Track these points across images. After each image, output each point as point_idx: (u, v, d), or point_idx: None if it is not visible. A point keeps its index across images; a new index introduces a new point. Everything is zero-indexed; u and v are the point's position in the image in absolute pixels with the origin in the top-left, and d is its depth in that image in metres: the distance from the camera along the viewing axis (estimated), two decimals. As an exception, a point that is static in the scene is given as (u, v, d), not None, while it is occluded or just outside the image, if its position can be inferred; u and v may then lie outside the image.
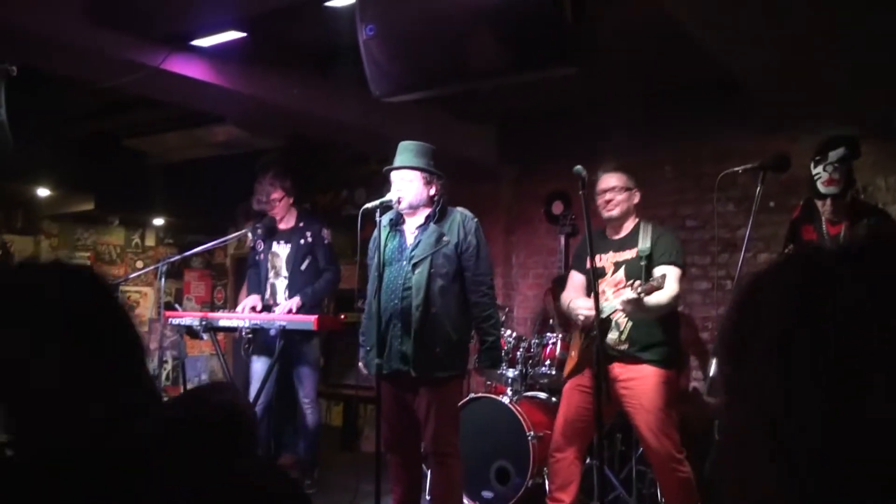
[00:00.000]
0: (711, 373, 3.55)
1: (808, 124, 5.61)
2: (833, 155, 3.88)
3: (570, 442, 4.27)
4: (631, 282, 4.07)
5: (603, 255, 4.28)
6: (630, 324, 4.13)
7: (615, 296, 4.08)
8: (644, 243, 4.17)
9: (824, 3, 3.71)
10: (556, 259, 6.72)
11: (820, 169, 3.89)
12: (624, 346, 4.15)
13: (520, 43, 3.08)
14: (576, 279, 4.47)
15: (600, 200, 4.28)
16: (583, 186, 3.54)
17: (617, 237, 4.31)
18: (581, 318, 4.19)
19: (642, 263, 4.13)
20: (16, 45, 4.35)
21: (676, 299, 4.12)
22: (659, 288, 3.83)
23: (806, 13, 3.84)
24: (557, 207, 6.92)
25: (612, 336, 4.17)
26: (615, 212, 4.26)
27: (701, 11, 3.89)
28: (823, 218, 4.00)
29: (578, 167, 3.49)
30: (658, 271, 4.00)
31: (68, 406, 1.18)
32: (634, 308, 3.91)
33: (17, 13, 4.08)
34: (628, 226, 4.30)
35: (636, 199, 4.30)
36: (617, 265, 4.24)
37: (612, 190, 4.25)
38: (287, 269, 5.50)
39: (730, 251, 5.97)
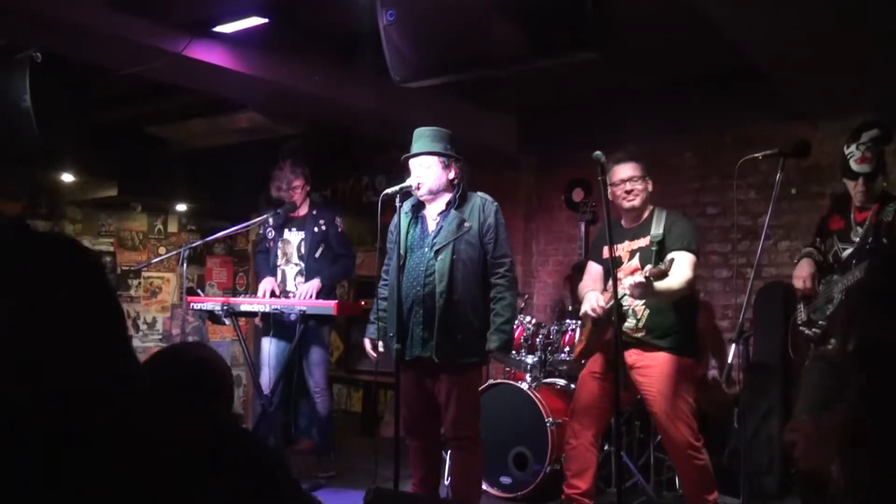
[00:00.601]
0: (730, 360, 3.53)
1: (828, 112, 5.57)
2: (866, 135, 3.87)
3: (586, 428, 4.28)
4: (640, 267, 4.07)
5: (619, 245, 4.28)
6: (647, 311, 4.14)
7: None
8: (657, 229, 4.18)
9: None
10: (576, 246, 6.71)
11: (853, 148, 3.88)
12: (641, 334, 4.16)
13: (539, 28, 3.09)
14: (592, 269, 4.48)
15: (619, 191, 4.26)
16: (602, 172, 3.55)
17: (632, 226, 4.32)
18: (589, 311, 4.17)
19: (654, 249, 4.14)
20: (39, 32, 4.40)
21: (690, 285, 4.11)
22: (666, 272, 3.80)
23: (825, 3, 3.81)
24: (578, 195, 6.91)
25: (630, 323, 4.17)
26: (637, 201, 4.25)
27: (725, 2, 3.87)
28: (853, 205, 3.97)
29: (598, 153, 3.48)
30: (669, 257, 4.00)
31: (56, 378, 1.17)
32: (642, 291, 3.90)
33: (42, 0, 4.12)
34: (643, 214, 4.31)
35: (650, 187, 4.31)
36: (632, 253, 4.25)
37: (632, 180, 4.24)
38: (299, 257, 5.54)
39: (750, 238, 5.94)
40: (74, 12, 4.25)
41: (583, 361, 4.45)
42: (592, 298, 4.16)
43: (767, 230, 3.73)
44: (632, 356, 4.15)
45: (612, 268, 3.71)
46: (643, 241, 4.22)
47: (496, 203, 4.23)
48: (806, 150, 3.65)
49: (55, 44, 4.58)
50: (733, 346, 3.54)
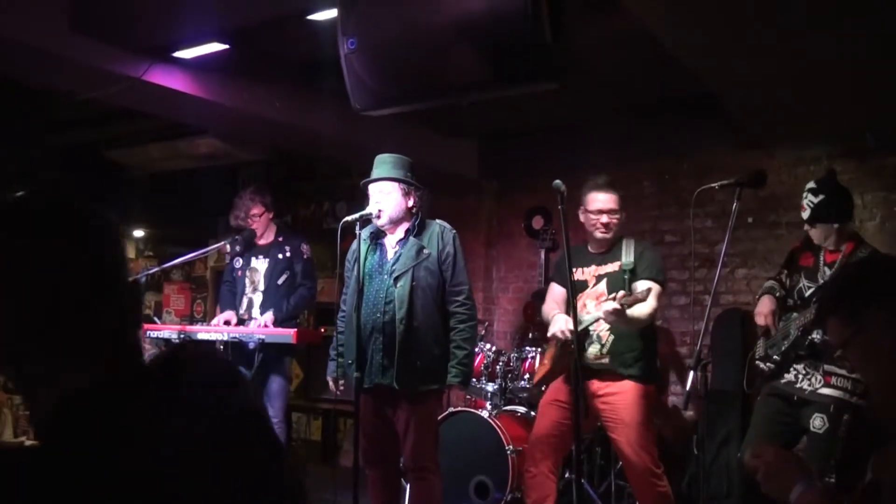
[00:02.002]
0: (688, 387, 3.55)
1: (784, 141, 5.69)
2: (807, 186, 4.08)
3: (545, 456, 4.27)
4: (613, 294, 4.09)
5: (585, 269, 4.30)
6: (612, 337, 4.15)
7: (597, 309, 4.10)
8: (627, 257, 4.19)
9: (800, 22, 3.77)
10: (536, 273, 6.75)
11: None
12: (605, 360, 4.16)
13: (499, 58, 3.10)
14: (556, 291, 4.47)
15: (595, 220, 4.26)
16: (561, 201, 3.55)
17: (599, 250, 4.33)
18: (557, 334, 4.17)
19: (626, 277, 4.16)
20: (-2, 55, 4.35)
21: (654, 314, 4.16)
22: (643, 300, 3.86)
23: (782, 32, 3.90)
24: (538, 222, 6.95)
25: (594, 350, 4.18)
26: (609, 234, 4.27)
27: (677, 29, 3.94)
28: (823, 248, 4.06)
29: (557, 182, 3.49)
30: (641, 285, 4.03)
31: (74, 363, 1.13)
32: (616, 318, 3.93)
33: (1, 23, 4.07)
34: (610, 240, 4.32)
35: (623, 218, 4.33)
36: (599, 278, 4.26)
37: (611, 212, 4.26)
38: (264, 283, 5.48)
39: (707, 266, 6.02)
40: (32, 35, 4.21)
41: (543, 388, 4.44)
42: (562, 321, 4.15)
43: (724, 258, 3.77)
44: (595, 384, 4.16)
45: (570, 293, 3.72)
46: (611, 267, 4.24)
47: (454, 231, 4.24)
48: (762, 180, 3.70)
49: (11, 67, 4.53)
50: (691, 373, 3.56)
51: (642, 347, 4.18)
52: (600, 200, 4.27)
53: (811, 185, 4.06)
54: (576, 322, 3.60)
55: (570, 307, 3.69)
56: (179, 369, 1.15)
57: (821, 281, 3.99)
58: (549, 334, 4.29)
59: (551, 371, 4.33)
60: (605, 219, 4.25)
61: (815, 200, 3.99)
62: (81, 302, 1.15)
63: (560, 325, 4.15)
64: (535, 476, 4.27)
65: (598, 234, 4.28)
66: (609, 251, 4.30)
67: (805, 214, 4.03)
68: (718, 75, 4.61)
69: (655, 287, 4.07)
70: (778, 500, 1.78)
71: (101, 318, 1.16)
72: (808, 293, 4.03)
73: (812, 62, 4.27)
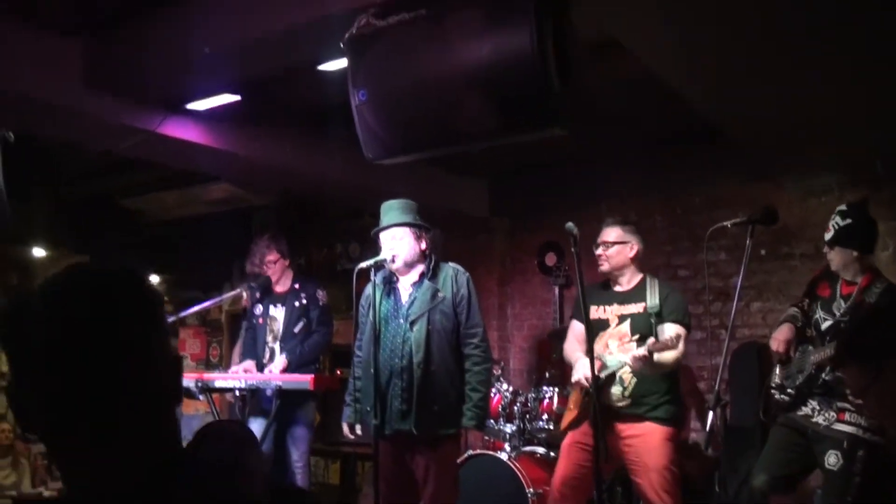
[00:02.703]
0: (708, 426, 3.54)
1: (792, 173, 5.69)
2: (838, 208, 4.09)
3: (566, 498, 4.24)
4: (636, 337, 4.09)
5: (607, 307, 4.29)
6: (634, 380, 4.12)
7: (621, 350, 4.09)
8: (653, 300, 4.17)
9: (803, 57, 3.79)
10: (551, 310, 6.75)
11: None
12: (626, 402, 4.13)
13: (509, 107, 3.14)
14: (577, 329, 4.43)
15: (596, 254, 4.32)
16: (574, 244, 3.57)
17: (621, 289, 4.32)
18: (582, 381, 4.15)
19: (652, 321, 4.14)
20: (14, 112, 4.42)
21: (680, 358, 4.13)
22: (673, 347, 3.87)
23: (785, 69, 3.93)
24: (550, 259, 6.96)
25: (616, 391, 4.15)
26: (605, 266, 4.30)
27: (680, 69, 3.98)
28: (841, 277, 4.07)
29: (570, 224, 3.52)
30: (668, 329, 4.03)
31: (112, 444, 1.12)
32: (643, 364, 3.94)
33: (17, 80, 4.15)
34: (632, 279, 4.31)
35: (632, 253, 4.29)
36: (622, 318, 4.23)
37: (604, 245, 4.29)
38: (282, 332, 5.50)
39: (722, 300, 6.00)
40: (48, 93, 4.29)
41: (568, 432, 4.41)
42: (584, 367, 4.14)
43: (739, 292, 3.78)
44: (618, 426, 4.14)
45: (588, 334, 3.73)
46: (635, 308, 4.21)
47: (468, 274, 4.26)
48: (774, 217, 3.73)
49: (29, 123, 4.60)
50: (710, 413, 3.56)
51: (666, 390, 4.15)
52: (601, 234, 4.34)
53: (842, 207, 4.05)
54: (593, 370, 3.59)
55: (589, 349, 3.68)
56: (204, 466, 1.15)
57: (836, 313, 3.99)
58: (572, 380, 4.28)
59: (578, 417, 4.30)
60: (598, 251, 4.30)
61: (842, 223, 3.98)
62: (130, 378, 1.15)
63: (583, 371, 4.13)
64: None
65: (599, 268, 4.32)
66: (632, 290, 4.28)
67: (828, 236, 4.03)
68: (723, 111, 4.65)
69: (681, 331, 4.07)
70: None
71: (145, 392, 1.16)
72: (823, 326, 4.03)
73: (816, 95, 4.29)
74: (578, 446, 4.23)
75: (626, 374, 4.13)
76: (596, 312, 4.30)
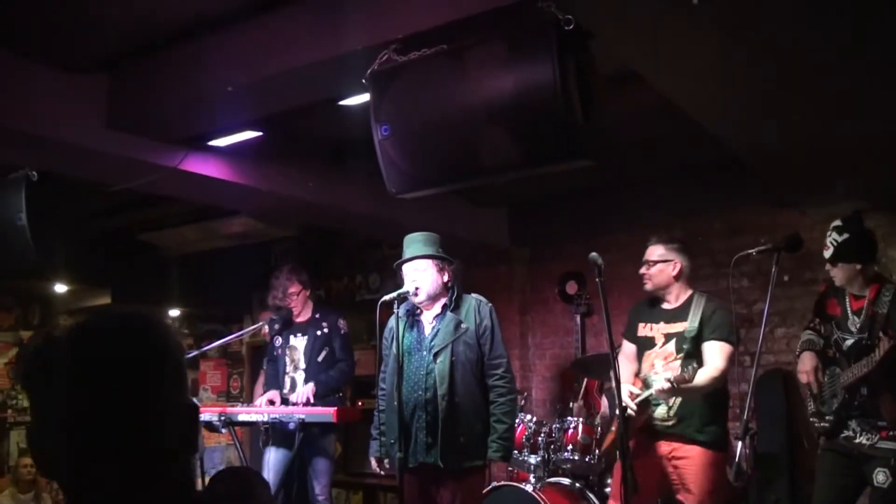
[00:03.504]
0: (737, 457, 3.50)
1: (814, 198, 5.66)
2: (832, 224, 4.10)
3: None
4: (681, 356, 4.08)
5: (654, 325, 4.29)
6: (679, 399, 4.10)
7: (666, 369, 4.08)
8: (693, 321, 4.13)
9: (824, 88, 3.79)
10: (573, 339, 6.71)
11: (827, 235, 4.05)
12: (672, 423, 4.12)
13: (531, 139, 3.15)
14: (626, 349, 4.46)
15: (640, 272, 4.34)
16: (599, 274, 3.56)
17: (669, 307, 4.29)
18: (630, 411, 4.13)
19: (685, 346, 4.10)
20: (37, 152, 4.47)
21: (723, 377, 4.06)
22: (689, 380, 3.83)
23: (806, 96, 3.92)
24: (572, 287, 6.93)
25: (661, 411, 4.14)
26: (648, 285, 4.30)
27: (699, 100, 3.98)
28: (846, 291, 4.04)
29: (594, 255, 3.52)
30: (708, 349, 4.03)
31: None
32: (668, 395, 3.96)
33: (38, 120, 4.19)
34: (680, 296, 4.27)
35: (675, 271, 4.25)
36: (668, 336, 4.21)
37: (646, 264, 4.29)
38: (305, 361, 5.50)
39: (746, 327, 5.95)
40: (70, 133, 4.33)
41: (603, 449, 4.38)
42: (625, 394, 4.14)
43: (766, 318, 3.74)
44: (663, 446, 4.13)
45: (612, 357, 3.70)
46: (680, 326, 4.19)
47: (490, 304, 4.26)
48: (798, 244, 3.70)
49: (51, 163, 4.64)
50: (739, 444, 3.52)
51: (710, 411, 4.10)
52: (645, 253, 4.33)
53: (836, 223, 4.07)
54: (620, 400, 3.57)
55: (616, 377, 3.65)
56: None
57: (853, 329, 3.99)
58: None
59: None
60: (641, 270, 4.30)
61: (840, 239, 4.01)
62: (145, 426, 1.15)
63: (624, 398, 4.11)
64: None
65: (644, 287, 4.31)
66: (679, 308, 4.25)
67: (828, 253, 4.05)
68: (743, 140, 4.63)
69: (721, 348, 4.04)
70: None
71: (161, 441, 1.17)
72: (845, 345, 4.02)
73: (837, 125, 4.28)
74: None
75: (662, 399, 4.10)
76: (643, 330, 4.32)
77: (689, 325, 4.14)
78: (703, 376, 3.95)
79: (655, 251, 4.29)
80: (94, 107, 4.40)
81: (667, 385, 3.87)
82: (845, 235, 3.99)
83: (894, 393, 1.89)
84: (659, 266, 4.26)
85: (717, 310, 4.17)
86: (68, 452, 1.13)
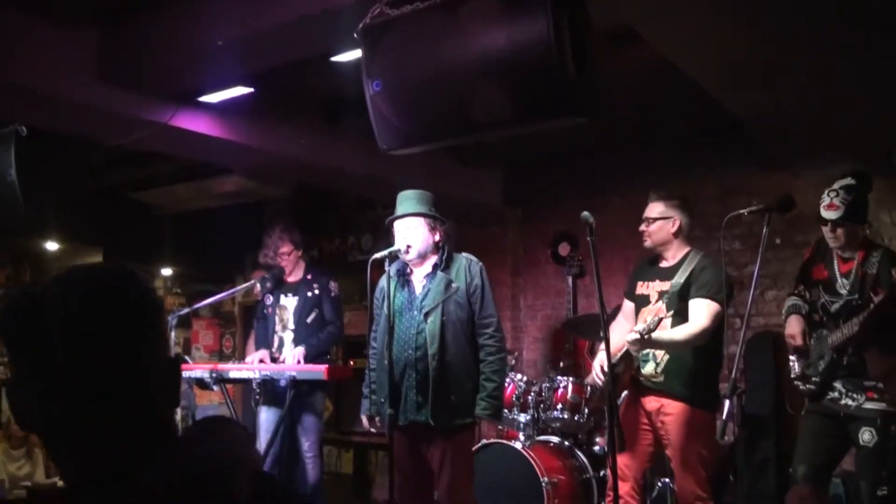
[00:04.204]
0: (724, 415, 3.53)
1: (810, 161, 5.65)
2: (838, 183, 3.94)
3: (626, 478, 4.22)
4: (671, 313, 4.08)
5: (650, 283, 4.28)
6: (667, 357, 4.12)
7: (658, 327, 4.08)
8: (680, 277, 4.13)
9: (823, 46, 3.77)
10: (565, 300, 6.73)
11: (825, 194, 3.96)
12: (660, 379, 4.14)
13: (525, 95, 3.11)
14: (626, 308, 4.49)
15: (640, 229, 4.31)
16: (590, 233, 3.55)
17: (666, 265, 4.29)
18: (596, 381, 4.18)
19: (672, 302, 4.10)
20: (26, 106, 4.43)
21: (704, 334, 4.01)
22: (652, 329, 3.82)
23: (804, 57, 3.90)
24: (564, 249, 6.93)
25: (649, 368, 4.16)
26: (647, 242, 4.28)
27: (697, 59, 3.95)
28: (835, 254, 4.03)
29: (586, 213, 3.50)
30: (693, 306, 4.02)
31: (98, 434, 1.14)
32: (637, 347, 3.95)
33: (29, 75, 4.15)
34: (677, 254, 4.25)
35: (674, 228, 4.22)
36: (661, 294, 4.21)
37: (645, 221, 4.28)
38: (294, 322, 5.51)
39: (738, 289, 5.96)
40: (60, 87, 4.30)
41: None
42: (597, 366, 4.16)
43: (756, 280, 3.74)
44: (651, 402, 4.16)
45: (602, 317, 3.69)
46: (669, 284, 4.19)
47: (481, 264, 4.25)
48: (790, 205, 3.67)
49: (42, 117, 4.60)
50: (727, 401, 3.53)
51: (697, 369, 4.10)
52: (646, 210, 4.31)
53: (848, 181, 3.91)
54: (609, 359, 3.58)
55: (605, 337, 3.66)
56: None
57: (842, 292, 3.96)
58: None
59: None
60: (641, 227, 4.28)
61: (850, 198, 3.88)
62: (125, 376, 1.16)
63: (595, 369, 4.17)
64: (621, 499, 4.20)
65: (644, 244, 4.30)
66: (673, 266, 4.25)
67: (836, 214, 3.89)
68: (740, 101, 4.61)
69: (706, 305, 4.01)
70: None
71: (142, 393, 1.18)
72: (832, 308, 4.00)
73: (836, 85, 4.26)
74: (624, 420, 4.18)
75: (658, 350, 4.12)
76: (641, 288, 4.32)
77: (675, 280, 4.14)
78: (682, 331, 3.97)
79: (655, 208, 4.27)
80: (85, 61, 4.36)
81: (634, 336, 3.84)
82: (854, 195, 3.90)
83: (882, 348, 1.89)
84: (658, 223, 4.24)
85: (706, 267, 4.14)
86: (47, 406, 1.14)
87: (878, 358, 1.89)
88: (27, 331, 1.16)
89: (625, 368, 4.15)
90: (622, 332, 4.22)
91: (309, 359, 5.28)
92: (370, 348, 4.39)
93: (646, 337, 3.85)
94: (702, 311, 4.02)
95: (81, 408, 1.13)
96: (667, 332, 3.94)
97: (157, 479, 1.10)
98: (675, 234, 4.25)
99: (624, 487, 4.25)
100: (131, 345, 1.17)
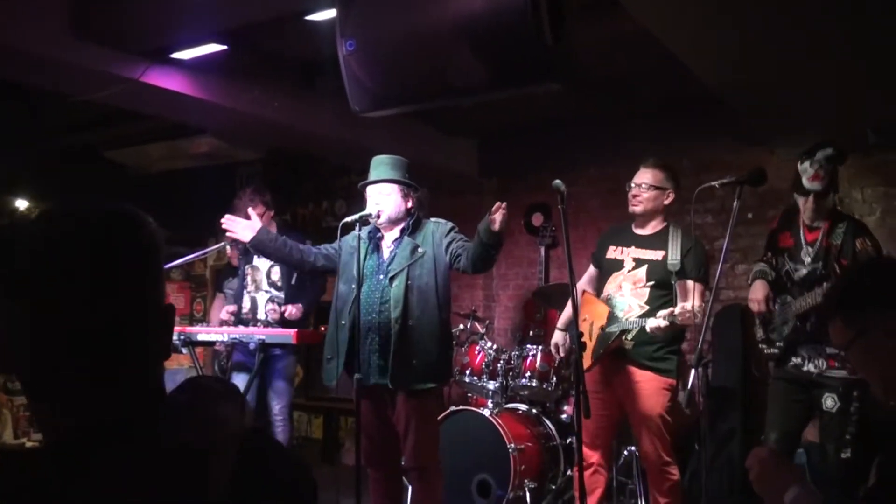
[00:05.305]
0: (689, 385, 3.56)
1: (783, 137, 5.68)
2: (820, 153, 3.95)
3: (595, 447, 4.29)
4: (651, 284, 4.12)
5: (625, 249, 4.29)
6: (637, 328, 4.14)
7: (633, 294, 4.14)
8: (675, 253, 4.14)
9: (802, 20, 3.76)
10: (537, 270, 6.75)
11: (807, 165, 3.97)
12: (630, 346, 4.17)
13: (500, 60, 3.10)
14: (590, 271, 4.51)
15: (630, 194, 4.29)
16: (562, 201, 3.54)
17: (642, 232, 4.30)
18: (559, 351, 4.29)
19: (673, 282, 4.10)
20: (-5, 60, 4.35)
21: (700, 314, 4.07)
22: (689, 321, 3.86)
23: (783, 31, 3.89)
24: (537, 219, 6.95)
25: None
26: (638, 208, 4.26)
27: (677, 30, 3.93)
28: (801, 223, 4.07)
29: (557, 181, 3.49)
30: (690, 288, 4.07)
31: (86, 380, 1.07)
32: (664, 333, 3.97)
33: (-2, 28, 4.07)
34: (655, 224, 4.29)
35: (668, 201, 4.27)
36: (638, 262, 4.22)
37: (640, 186, 4.26)
38: (269, 284, 5.48)
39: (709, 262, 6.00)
40: (32, 40, 4.21)
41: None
42: (560, 338, 4.22)
43: (725, 254, 3.76)
44: (617, 370, 4.21)
45: (572, 287, 3.70)
46: (653, 255, 4.19)
47: (451, 223, 4.24)
48: (762, 178, 3.67)
49: (11, 71, 4.52)
50: (693, 371, 3.56)
51: (669, 340, 4.16)
52: (637, 175, 4.30)
53: (829, 151, 3.92)
54: (576, 324, 3.60)
55: (574, 317, 3.67)
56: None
57: (806, 260, 4.01)
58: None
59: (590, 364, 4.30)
60: (634, 191, 4.27)
61: (830, 168, 3.92)
62: (118, 322, 1.10)
63: (557, 340, 4.30)
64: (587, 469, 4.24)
65: (630, 208, 4.29)
66: (654, 236, 4.26)
67: (820, 185, 3.92)
68: (718, 75, 4.60)
69: (698, 287, 4.09)
70: (770, 502, 1.79)
71: (133, 340, 1.11)
72: (796, 275, 4.05)
73: (812, 60, 4.26)
74: (594, 395, 4.20)
75: (633, 318, 4.13)
76: (613, 252, 4.33)
77: (672, 257, 4.13)
78: (692, 314, 3.96)
79: (654, 175, 4.26)
80: (55, 14, 4.27)
81: (664, 323, 3.87)
82: (832, 165, 3.94)
83: (844, 321, 1.91)
84: (655, 192, 4.24)
85: (694, 246, 4.20)
86: (31, 347, 1.07)
87: (840, 330, 1.90)
88: (12, 264, 1.08)
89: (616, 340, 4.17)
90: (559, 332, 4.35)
91: (306, 313, 5.39)
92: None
93: (678, 321, 3.88)
94: (696, 293, 4.06)
95: (67, 352, 1.06)
96: (681, 316, 3.92)
97: (154, 439, 1.05)
98: (664, 207, 4.28)
99: (594, 456, 4.30)
100: (128, 286, 1.11)
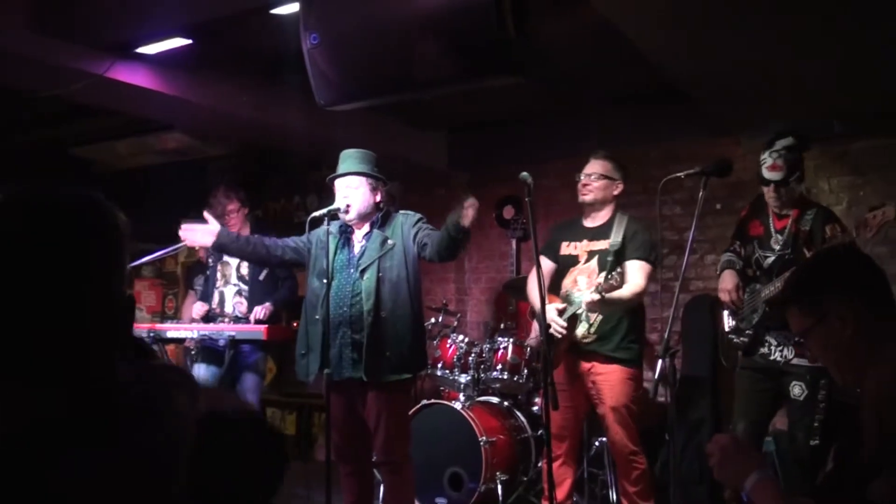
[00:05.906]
0: (657, 375, 3.59)
1: (750, 128, 5.72)
2: (779, 143, 4.01)
3: (563, 439, 4.34)
4: (603, 273, 4.15)
5: (577, 244, 4.37)
6: (600, 318, 4.23)
7: (589, 286, 4.17)
8: (616, 237, 4.24)
9: (767, 12, 3.79)
10: (508, 263, 6.77)
11: (766, 155, 4.03)
12: (592, 339, 4.24)
13: (463, 53, 3.11)
14: (544, 265, 4.44)
15: (580, 184, 4.36)
16: (528, 193, 3.56)
17: (592, 225, 4.38)
18: (556, 332, 4.21)
19: (609, 259, 4.20)
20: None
21: (641, 294, 4.23)
22: (617, 287, 3.96)
23: (746, 23, 3.92)
24: (508, 212, 6.96)
25: (582, 329, 4.26)
26: (588, 197, 4.34)
27: (640, 21, 3.95)
28: (770, 211, 4.11)
29: (524, 174, 3.51)
30: (630, 267, 4.14)
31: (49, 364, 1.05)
32: (598, 307, 4.07)
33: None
34: (604, 215, 4.37)
35: (616, 191, 4.37)
36: (591, 254, 4.31)
37: (590, 176, 4.34)
38: (238, 278, 5.46)
39: (677, 253, 6.04)
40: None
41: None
42: (552, 313, 4.20)
43: (693, 245, 3.78)
44: (583, 364, 4.28)
45: (539, 277, 3.72)
46: (602, 244, 4.29)
47: (418, 214, 4.24)
48: (727, 169, 3.70)
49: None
50: (660, 361, 3.59)
51: (630, 328, 4.26)
52: (587, 166, 4.37)
53: (789, 141, 3.97)
54: (544, 328, 3.61)
55: (542, 297, 3.69)
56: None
57: (775, 247, 4.06)
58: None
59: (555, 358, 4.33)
60: (584, 180, 4.33)
61: (791, 158, 3.97)
62: (76, 310, 1.07)
63: (552, 316, 4.21)
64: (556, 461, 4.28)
65: (579, 197, 4.36)
66: (602, 226, 4.34)
67: (779, 174, 3.96)
68: (682, 66, 4.63)
69: (642, 266, 4.18)
70: (731, 488, 1.81)
71: (86, 330, 1.08)
72: (765, 263, 4.10)
73: (776, 51, 4.30)
74: (559, 388, 4.23)
75: (592, 312, 4.19)
76: (566, 248, 4.41)
77: (613, 240, 4.24)
78: (627, 290, 4.09)
79: (604, 165, 4.35)
80: (16, 8, 4.21)
81: (596, 296, 3.98)
82: (796, 154, 3.99)
83: (801, 308, 1.93)
84: (604, 181, 4.33)
85: (638, 230, 4.30)
86: None
87: (798, 318, 1.93)
88: None
89: (569, 329, 4.23)
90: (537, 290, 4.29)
91: (275, 314, 5.37)
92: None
93: (605, 296, 3.95)
94: (638, 272, 4.17)
95: (14, 339, 1.03)
96: (616, 292, 4.03)
97: (111, 433, 1.03)
98: (613, 197, 4.35)
99: (563, 447, 4.35)
100: (82, 272, 1.08)
